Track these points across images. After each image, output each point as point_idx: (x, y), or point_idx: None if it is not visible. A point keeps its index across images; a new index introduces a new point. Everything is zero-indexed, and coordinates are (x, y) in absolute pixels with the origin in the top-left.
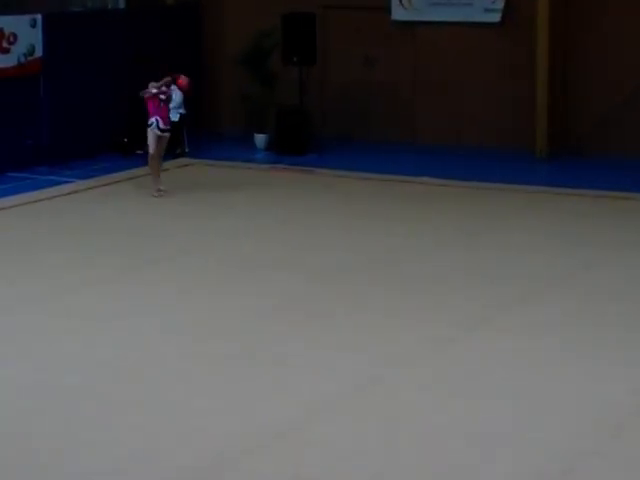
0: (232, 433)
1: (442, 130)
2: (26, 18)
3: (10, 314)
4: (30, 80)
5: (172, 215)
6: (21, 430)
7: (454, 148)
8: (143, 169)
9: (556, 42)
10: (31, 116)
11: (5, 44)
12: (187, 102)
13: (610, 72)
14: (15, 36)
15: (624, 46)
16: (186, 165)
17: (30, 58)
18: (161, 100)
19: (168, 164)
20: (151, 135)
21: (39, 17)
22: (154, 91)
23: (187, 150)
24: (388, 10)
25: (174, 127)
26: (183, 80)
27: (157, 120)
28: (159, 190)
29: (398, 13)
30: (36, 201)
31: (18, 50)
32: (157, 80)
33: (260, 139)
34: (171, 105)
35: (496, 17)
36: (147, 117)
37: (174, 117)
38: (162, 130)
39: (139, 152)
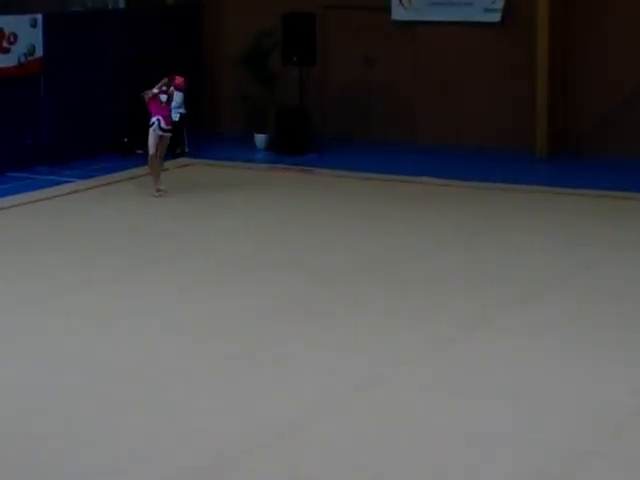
0: (232, 433)
1: (442, 130)
2: (26, 18)
3: (10, 314)
4: (30, 80)
5: (172, 215)
6: (21, 430)
7: (454, 148)
8: (143, 169)
9: (556, 42)
10: (31, 116)
11: (5, 44)
12: (187, 102)
13: (610, 72)
14: (15, 36)
15: (624, 46)
16: (186, 165)
17: (30, 58)
18: (162, 101)
19: (168, 164)
20: (152, 135)
21: (39, 17)
22: (155, 91)
23: (187, 150)
24: (388, 10)
25: (174, 127)
26: (179, 80)
27: (159, 120)
28: (159, 190)
29: (398, 13)
30: (36, 201)
31: (18, 50)
32: (156, 82)
33: (260, 139)
34: (172, 105)
35: (496, 17)
36: (148, 117)
37: (174, 117)
38: (164, 130)
39: (139, 152)
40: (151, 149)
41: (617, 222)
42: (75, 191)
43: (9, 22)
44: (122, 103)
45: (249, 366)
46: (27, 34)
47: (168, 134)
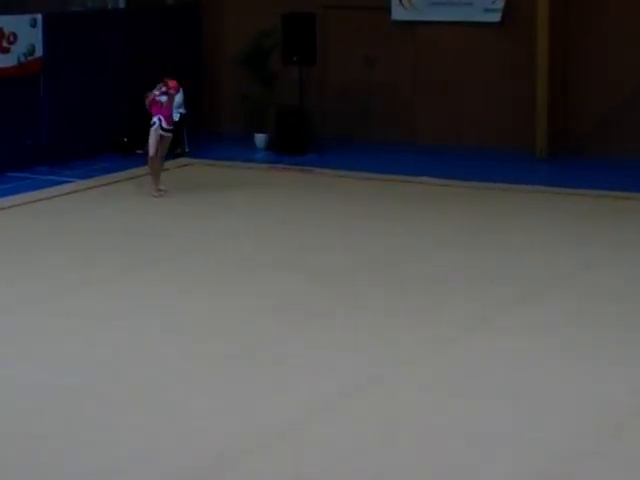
0: (232, 433)
1: (442, 130)
2: (26, 18)
3: (10, 314)
4: (30, 80)
5: (172, 215)
6: (21, 430)
7: (454, 148)
8: (143, 169)
9: (556, 42)
10: (31, 116)
11: (5, 44)
12: (187, 102)
13: (610, 72)
14: (15, 36)
15: (624, 46)
16: (186, 165)
17: (30, 58)
18: (162, 102)
19: (168, 164)
20: (153, 135)
21: (39, 17)
22: (156, 92)
23: (187, 150)
24: (388, 10)
25: (174, 127)
26: (172, 84)
27: (160, 120)
28: (159, 190)
29: (398, 13)
30: (36, 201)
31: (18, 50)
32: (156, 82)
33: (260, 139)
34: (173, 105)
35: (496, 17)
36: (149, 117)
37: (174, 117)
38: (165, 130)
39: (139, 152)
40: (151, 149)
41: (617, 222)
42: (75, 191)
43: (9, 22)
44: (122, 103)
45: (249, 366)
46: (27, 34)
47: (169, 134)
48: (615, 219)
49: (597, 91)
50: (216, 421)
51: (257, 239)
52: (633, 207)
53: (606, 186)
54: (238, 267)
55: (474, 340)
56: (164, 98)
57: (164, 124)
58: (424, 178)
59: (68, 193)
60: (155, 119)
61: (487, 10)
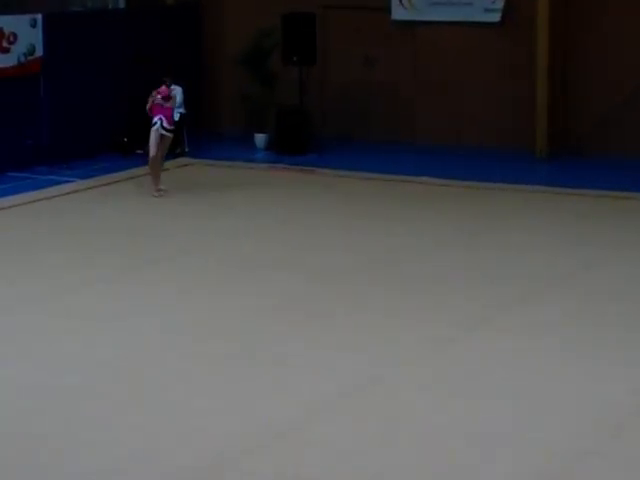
0: (232, 433)
1: (442, 130)
2: (26, 18)
3: (10, 314)
4: (30, 80)
5: (172, 215)
6: (21, 430)
7: (454, 148)
8: (143, 169)
9: (556, 42)
10: (31, 116)
11: (5, 44)
12: (187, 102)
13: (610, 72)
14: (15, 36)
15: (624, 46)
16: (186, 165)
17: (30, 58)
18: (161, 103)
19: (168, 164)
20: (154, 135)
21: (39, 17)
22: (157, 96)
23: (187, 150)
24: (388, 10)
25: (175, 127)
26: (163, 91)
27: (161, 119)
28: (159, 190)
29: (398, 13)
30: (36, 201)
31: (18, 50)
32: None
33: (260, 139)
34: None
35: (496, 17)
36: (149, 118)
37: (174, 117)
38: (166, 129)
39: (139, 152)
40: (152, 149)
41: (617, 222)
42: (75, 191)
43: (9, 22)
44: (122, 103)
45: (249, 366)
46: (27, 34)
47: (170, 134)
48: (615, 219)
49: (597, 91)
50: (216, 421)
51: (257, 239)
52: (633, 207)
53: (606, 186)
54: (238, 267)
55: (474, 340)
56: (165, 99)
57: (165, 124)
58: (424, 178)
59: (68, 193)
60: (156, 119)
61: (487, 10)
